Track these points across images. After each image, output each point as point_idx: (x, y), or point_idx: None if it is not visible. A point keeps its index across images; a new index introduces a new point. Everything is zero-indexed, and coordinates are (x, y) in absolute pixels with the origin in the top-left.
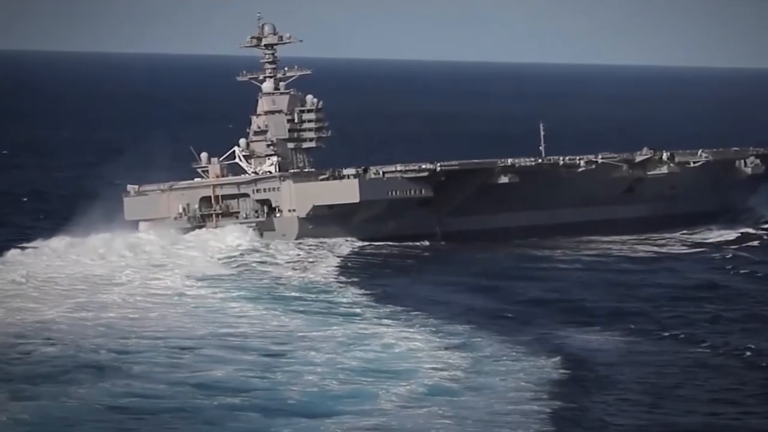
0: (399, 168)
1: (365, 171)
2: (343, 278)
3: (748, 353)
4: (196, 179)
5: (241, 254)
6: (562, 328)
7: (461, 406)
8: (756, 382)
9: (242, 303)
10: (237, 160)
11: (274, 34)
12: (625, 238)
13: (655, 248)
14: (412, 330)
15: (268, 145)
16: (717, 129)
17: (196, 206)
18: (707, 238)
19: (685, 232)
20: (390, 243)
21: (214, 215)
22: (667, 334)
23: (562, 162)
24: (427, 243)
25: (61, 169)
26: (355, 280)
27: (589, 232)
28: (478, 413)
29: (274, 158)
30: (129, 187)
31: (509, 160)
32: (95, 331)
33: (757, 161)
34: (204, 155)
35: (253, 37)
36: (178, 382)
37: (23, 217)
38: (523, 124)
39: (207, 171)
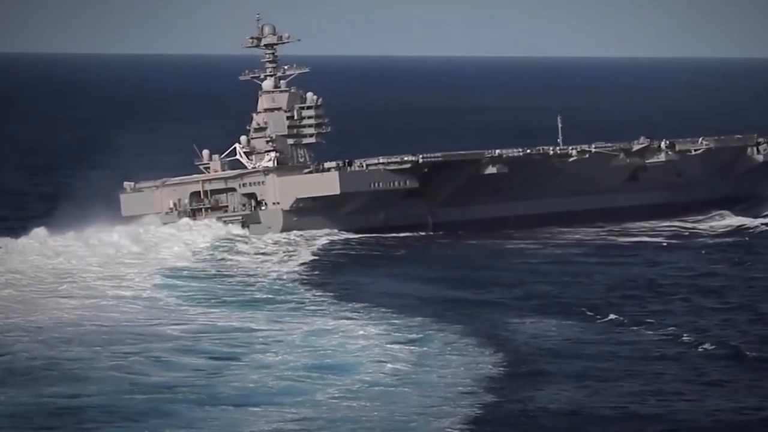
0: (382, 160)
1: (349, 164)
2: (312, 273)
3: (703, 347)
4: (194, 175)
5: (215, 248)
6: (520, 321)
7: (393, 399)
8: (703, 373)
9: (204, 302)
10: (238, 156)
11: (274, 34)
12: (619, 227)
13: (645, 238)
14: (370, 325)
15: (268, 142)
16: (734, 117)
17: (186, 201)
18: (702, 228)
19: (687, 219)
20: (368, 235)
21: (203, 209)
22: (629, 327)
23: (552, 152)
24: (397, 235)
25: (75, 166)
26: (323, 275)
27: (590, 221)
28: (407, 407)
29: (273, 154)
30: (125, 184)
31: (497, 151)
32: (43, 331)
33: None
34: (206, 152)
35: (252, 38)
36: (113, 382)
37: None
38: (544, 118)
39: (209, 167)
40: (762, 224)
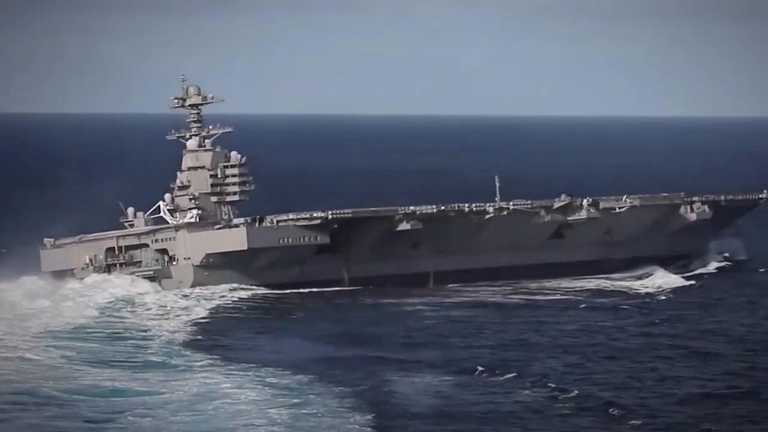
0: (291, 216)
1: (260, 220)
2: (204, 334)
3: (582, 404)
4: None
5: (114, 306)
6: (400, 380)
7: None
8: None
9: (91, 362)
10: (162, 213)
11: (198, 94)
12: (533, 285)
13: (559, 296)
14: (251, 388)
15: (191, 199)
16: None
17: (102, 257)
18: (624, 286)
19: (614, 277)
20: (266, 292)
21: (118, 265)
22: (514, 386)
23: (468, 209)
24: (301, 291)
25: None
26: (214, 336)
27: (513, 277)
28: None
29: (194, 211)
30: (45, 240)
31: (410, 208)
32: None
33: (704, 207)
34: (130, 209)
35: (177, 98)
36: None
37: None
38: (485, 177)
39: (133, 224)
40: (687, 283)
